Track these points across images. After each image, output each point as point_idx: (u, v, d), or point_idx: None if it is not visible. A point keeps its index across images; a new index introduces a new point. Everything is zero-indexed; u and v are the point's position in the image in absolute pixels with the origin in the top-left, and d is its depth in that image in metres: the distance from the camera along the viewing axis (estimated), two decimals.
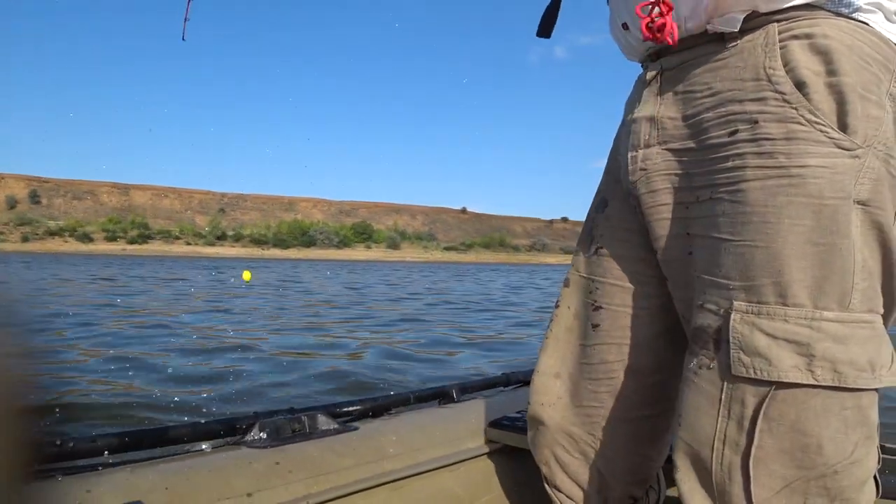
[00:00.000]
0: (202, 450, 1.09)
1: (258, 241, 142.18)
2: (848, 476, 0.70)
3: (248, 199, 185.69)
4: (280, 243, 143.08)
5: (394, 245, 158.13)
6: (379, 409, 1.35)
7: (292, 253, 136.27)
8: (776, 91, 0.72)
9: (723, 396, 0.73)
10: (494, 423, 1.33)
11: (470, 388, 1.56)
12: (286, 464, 1.02)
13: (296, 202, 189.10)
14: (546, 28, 1.03)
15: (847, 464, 0.70)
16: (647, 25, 0.77)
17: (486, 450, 1.29)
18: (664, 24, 0.76)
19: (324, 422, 1.19)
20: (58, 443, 0.94)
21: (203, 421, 1.14)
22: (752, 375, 0.71)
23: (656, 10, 0.77)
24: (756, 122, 0.73)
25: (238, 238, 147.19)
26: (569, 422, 0.98)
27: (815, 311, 0.69)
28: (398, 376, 4.54)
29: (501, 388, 1.65)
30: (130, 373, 4.37)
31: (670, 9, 0.77)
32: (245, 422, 1.14)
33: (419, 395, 1.45)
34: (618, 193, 0.95)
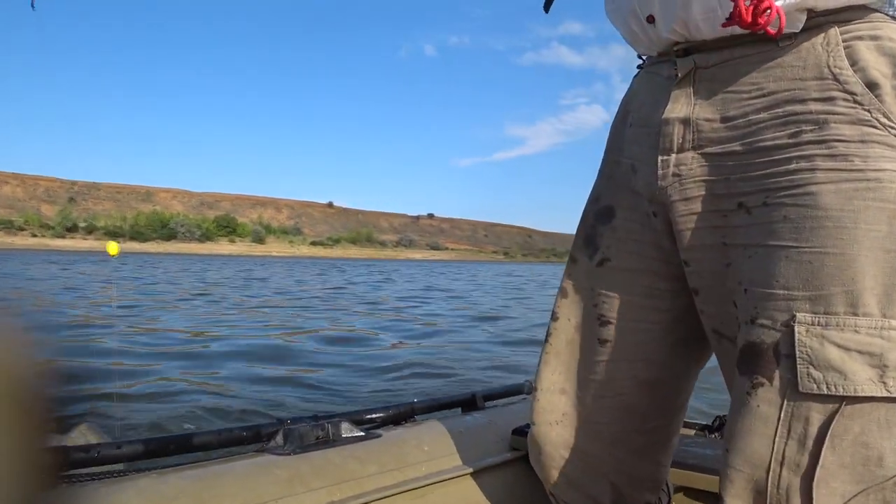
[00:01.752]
0: (227, 457, 1.09)
1: (113, 234, 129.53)
2: None
3: (102, 187, 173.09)
4: (138, 236, 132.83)
5: (259, 239, 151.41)
6: (402, 416, 1.34)
7: (151, 247, 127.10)
8: (845, 91, 0.69)
9: (781, 415, 0.69)
10: (518, 431, 1.32)
11: (494, 396, 1.55)
12: (310, 471, 1.02)
13: (154, 192, 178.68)
14: (548, 3, 0.98)
15: None
16: (745, 7, 0.69)
17: (510, 457, 1.27)
18: (769, 8, 0.68)
19: (347, 429, 1.19)
20: (83, 449, 0.95)
21: (228, 428, 1.14)
22: (824, 391, 0.67)
23: None
24: (825, 122, 0.69)
25: (91, 230, 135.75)
26: (578, 439, 0.95)
27: (883, 321, 0.66)
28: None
29: (525, 395, 1.64)
30: None
31: None
32: (269, 429, 1.14)
33: (443, 402, 1.45)
34: (625, 202, 0.90)
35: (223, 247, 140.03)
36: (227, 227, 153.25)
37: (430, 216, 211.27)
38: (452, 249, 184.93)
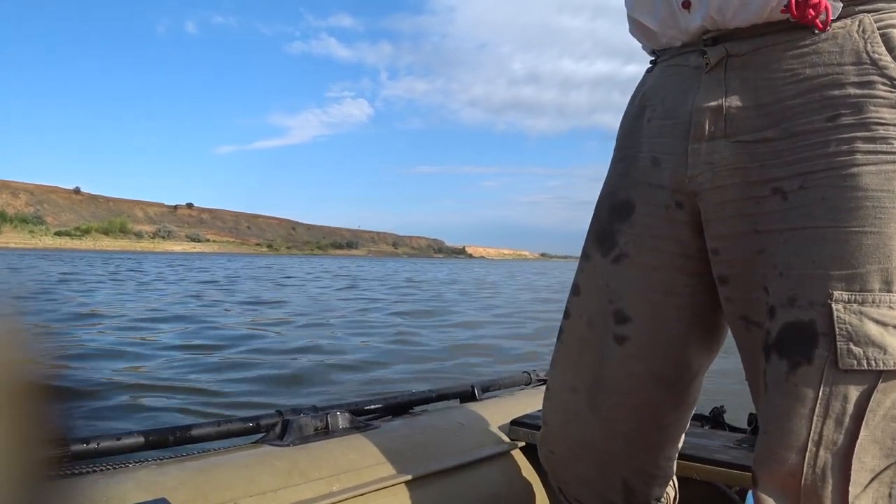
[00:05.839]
0: (226, 448, 1.10)
1: None
2: None
3: None
4: None
5: None
6: (401, 407, 1.35)
7: None
8: (884, 76, 0.71)
9: (819, 394, 0.70)
10: (516, 422, 1.32)
11: (492, 387, 1.56)
12: (308, 462, 1.03)
13: None
14: None
15: None
16: (796, 2, 0.71)
17: (508, 448, 1.28)
18: (818, 3, 0.70)
19: (346, 420, 1.19)
20: (83, 441, 0.95)
21: (227, 419, 1.15)
22: (864, 367, 0.68)
23: None
24: (864, 106, 0.71)
25: None
26: (592, 437, 0.94)
27: None
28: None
29: (523, 385, 1.65)
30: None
31: None
32: (268, 420, 1.15)
33: (441, 393, 1.45)
34: (644, 197, 0.89)
35: None
36: None
37: (190, 206, 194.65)
38: (214, 241, 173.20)
